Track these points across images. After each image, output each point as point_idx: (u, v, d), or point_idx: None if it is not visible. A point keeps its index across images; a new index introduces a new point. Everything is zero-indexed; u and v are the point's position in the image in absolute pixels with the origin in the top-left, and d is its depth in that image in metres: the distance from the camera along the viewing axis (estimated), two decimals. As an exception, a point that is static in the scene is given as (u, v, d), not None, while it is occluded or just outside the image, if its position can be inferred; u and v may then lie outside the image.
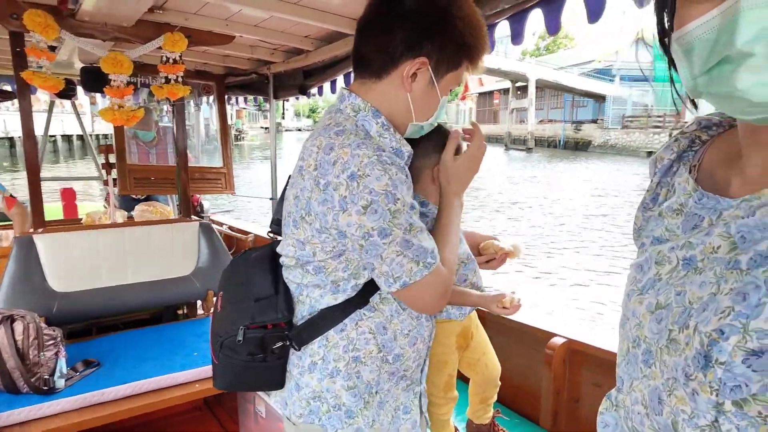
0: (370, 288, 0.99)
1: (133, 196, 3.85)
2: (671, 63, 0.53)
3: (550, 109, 36.23)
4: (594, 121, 30.44)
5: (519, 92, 34.35)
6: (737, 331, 0.43)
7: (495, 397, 1.57)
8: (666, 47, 0.53)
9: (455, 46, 0.97)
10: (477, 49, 1.00)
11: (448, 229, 1.06)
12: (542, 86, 31.37)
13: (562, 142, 30.58)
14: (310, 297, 1.01)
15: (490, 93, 42.73)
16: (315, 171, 0.91)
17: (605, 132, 27.71)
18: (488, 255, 1.27)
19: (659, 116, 25.01)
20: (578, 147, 29.06)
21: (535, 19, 1.78)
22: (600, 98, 30.00)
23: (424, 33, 0.95)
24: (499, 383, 1.54)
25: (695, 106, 0.55)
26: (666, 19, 0.53)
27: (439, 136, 1.20)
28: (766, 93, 0.41)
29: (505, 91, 36.99)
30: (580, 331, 1.65)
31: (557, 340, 1.61)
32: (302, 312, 1.02)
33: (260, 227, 4.53)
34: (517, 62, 32.28)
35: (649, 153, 19.17)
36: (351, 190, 0.87)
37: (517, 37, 1.79)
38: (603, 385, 1.56)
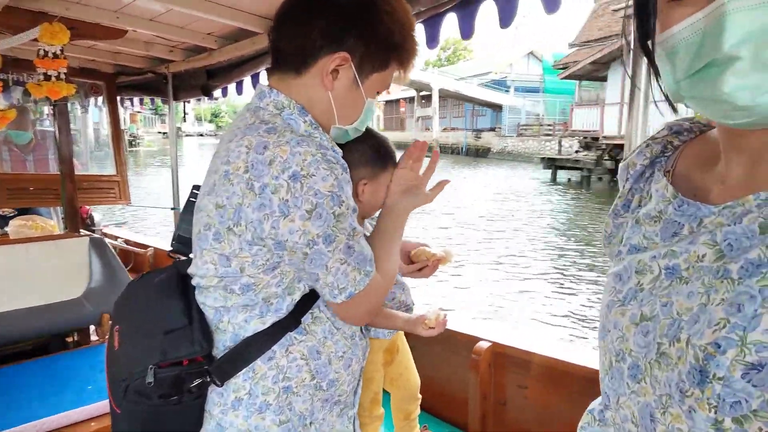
0: (301, 307, 0.90)
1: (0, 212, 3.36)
2: (653, 67, 0.51)
3: (453, 117, 37.78)
4: (492, 130, 32.18)
5: (423, 101, 35.48)
6: (734, 344, 0.40)
7: (418, 411, 1.54)
8: (647, 50, 0.52)
9: (382, 44, 0.91)
10: (406, 50, 0.95)
11: (393, 236, 1.00)
12: (445, 96, 32.65)
13: (464, 149, 32.02)
14: (232, 323, 0.89)
15: (396, 101, 43.75)
16: (247, 173, 0.80)
17: (503, 139, 29.42)
18: (420, 263, 1.23)
19: (550, 125, 27.01)
20: (479, 154, 30.62)
21: (449, 23, 1.79)
22: (497, 108, 31.78)
23: (347, 26, 0.88)
24: (420, 396, 1.51)
25: (675, 110, 0.53)
26: (644, 22, 0.51)
27: (367, 147, 1.12)
28: (751, 97, 0.40)
29: (411, 99, 38.02)
30: (503, 334, 1.66)
31: (483, 345, 1.61)
32: (224, 342, 0.90)
33: (161, 239, 4.18)
34: (421, 72, 33.37)
35: (543, 159, 20.63)
36: (293, 192, 0.78)
37: (432, 41, 1.79)
38: (528, 387, 1.58)
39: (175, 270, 0.97)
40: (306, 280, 0.87)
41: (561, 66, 22.04)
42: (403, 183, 1.05)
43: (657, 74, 0.50)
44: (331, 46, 0.88)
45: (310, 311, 0.90)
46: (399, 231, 1.02)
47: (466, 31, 1.68)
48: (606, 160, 16.31)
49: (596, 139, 16.66)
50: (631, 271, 0.56)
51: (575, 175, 18.41)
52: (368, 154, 1.14)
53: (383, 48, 0.91)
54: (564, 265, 7.66)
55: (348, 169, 0.86)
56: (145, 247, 3.82)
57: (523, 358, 1.57)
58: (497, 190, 15.49)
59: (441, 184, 1.08)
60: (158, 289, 0.95)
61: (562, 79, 21.31)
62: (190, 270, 0.93)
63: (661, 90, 0.50)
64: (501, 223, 10.67)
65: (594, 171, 16.79)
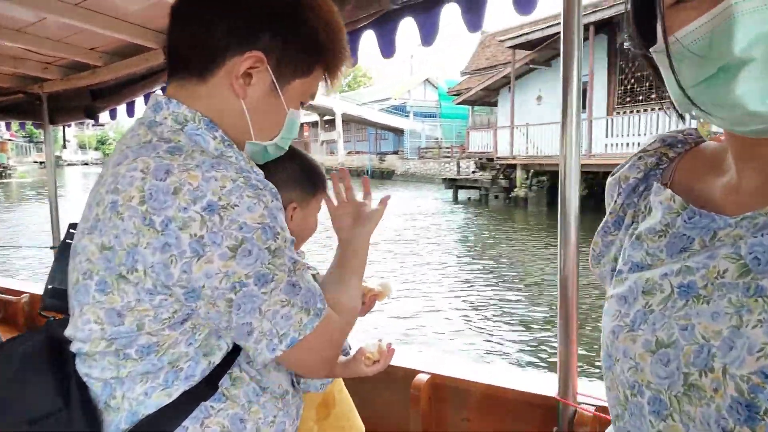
0: (218, 369, 0.73)
1: None
2: (657, 75, 0.48)
3: (357, 141, 38.35)
4: (395, 153, 33.13)
5: (327, 125, 35.63)
6: None
7: None
8: (649, 58, 0.48)
9: (304, 44, 0.78)
10: (333, 53, 0.82)
11: (353, 269, 0.89)
12: (348, 120, 33.08)
13: (369, 172, 32.55)
14: (128, 398, 0.69)
15: (300, 126, 43.57)
16: (143, 205, 0.63)
17: (405, 162, 30.35)
18: None
19: (448, 147, 28.42)
20: (384, 176, 31.27)
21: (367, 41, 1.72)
22: (399, 132, 32.78)
23: (259, 20, 0.75)
24: None
25: (683, 119, 0.51)
26: (644, 28, 0.48)
27: (297, 166, 0.99)
28: (762, 100, 0.38)
29: (314, 124, 37.99)
30: (442, 364, 1.57)
31: (422, 377, 1.51)
32: (117, 423, 0.70)
33: (38, 283, 3.63)
34: (323, 97, 33.56)
35: (444, 179, 21.46)
36: (210, 228, 0.63)
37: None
38: (470, 420, 1.50)
39: (45, 335, 0.76)
40: (233, 334, 0.70)
41: (455, 92, 23.27)
42: (347, 214, 0.98)
43: (662, 81, 0.47)
44: (241, 45, 0.74)
45: (229, 371, 0.74)
46: (359, 262, 0.92)
47: (387, 50, 1.62)
48: (501, 179, 17.31)
49: (491, 159, 17.66)
50: (637, 292, 0.51)
51: (474, 194, 19.35)
52: (298, 174, 1.01)
53: (306, 49, 0.79)
54: (482, 281, 7.89)
55: (278, 195, 0.72)
56: (18, 293, 3.28)
57: (464, 389, 1.49)
58: (406, 211, 15.80)
59: (384, 201, 1.01)
60: (21, 364, 0.72)
61: (457, 104, 22.48)
62: (68, 332, 0.73)
63: (686, 94, 0.45)
64: (412, 245, 10.83)
65: (491, 189, 17.74)
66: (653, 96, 13.50)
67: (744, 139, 0.46)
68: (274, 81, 0.77)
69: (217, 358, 0.72)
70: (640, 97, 13.80)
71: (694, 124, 0.59)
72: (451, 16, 1.50)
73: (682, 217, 0.50)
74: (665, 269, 0.49)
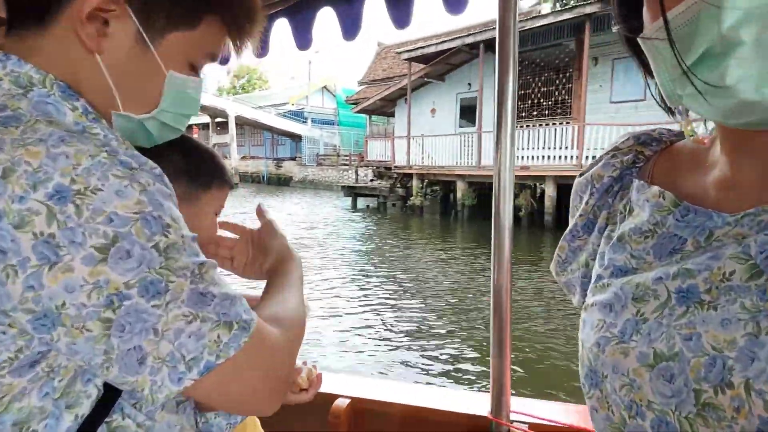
0: (90, 420, 0.54)
1: None
2: (645, 67, 0.44)
3: (252, 146, 37.14)
4: (293, 159, 32.65)
5: (219, 128, 34.11)
6: None
7: None
8: (636, 48, 0.45)
9: None
10: (229, 1, 0.64)
11: (289, 282, 0.78)
12: (242, 123, 31.95)
13: (265, 178, 31.65)
14: None
15: (189, 127, 41.16)
16: None
17: (303, 168, 30.00)
18: None
19: (347, 155, 28.61)
20: (281, 182, 30.60)
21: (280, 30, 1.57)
22: (297, 138, 32.35)
23: None
24: None
25: (672, 113, 0.47)
26: (629, 15, 0.46)
27: (179, 153, 0.79)
28: (756, 88, 0.35)
29: (205, 126, 36.11)
30: (363, 386, 1.45)
31: (341, 402, 1.36)
32: None
33: None
34: (215, 97, 32.11)
35: (343, 187, 21.46)
36: (64, 222, 0.46)
37: (261, 48, 1.53)
38: (400, 447, 1.38)
39: None
40: (114, 371, 0.51)
41: (353, 101, 23.52)
42: (253, 259, 0.92)
43: (651, 74, 0.43)
44: None
45: (107, 420, 0.55)
46: (296, 274, 0.81)
47: (302, 42, 1.47)
48: (398, 187, 17.73)
49: (389, 168, 18.02)
50: (625, 299, 0.46)
51: (372, 202, 19.60)
52: (182, 162, 0.79)
53: None
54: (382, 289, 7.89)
55: (165, 179, 0.55)
56: None
57: (388, 412, 1.37)
58: (305, 219, 15.49)
59: (259, 211, 0.94)
60: None
61: (355, 113, 22.70)
62: None
63: (688, 76, 0.41)
64: (311, 252, 10.61)
65: (389, 198, 18.10)
66: (535, 113, 14.74)
67: (739, 132, 0.43)
68: (142, 31, 0.59)
69: (85, 409, 0.53)
70: (524, 114, 14.95)
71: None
72: (375, 10, 1.40)
73: (674, 215, 0.46)
74: (659, 272, 0.44)
